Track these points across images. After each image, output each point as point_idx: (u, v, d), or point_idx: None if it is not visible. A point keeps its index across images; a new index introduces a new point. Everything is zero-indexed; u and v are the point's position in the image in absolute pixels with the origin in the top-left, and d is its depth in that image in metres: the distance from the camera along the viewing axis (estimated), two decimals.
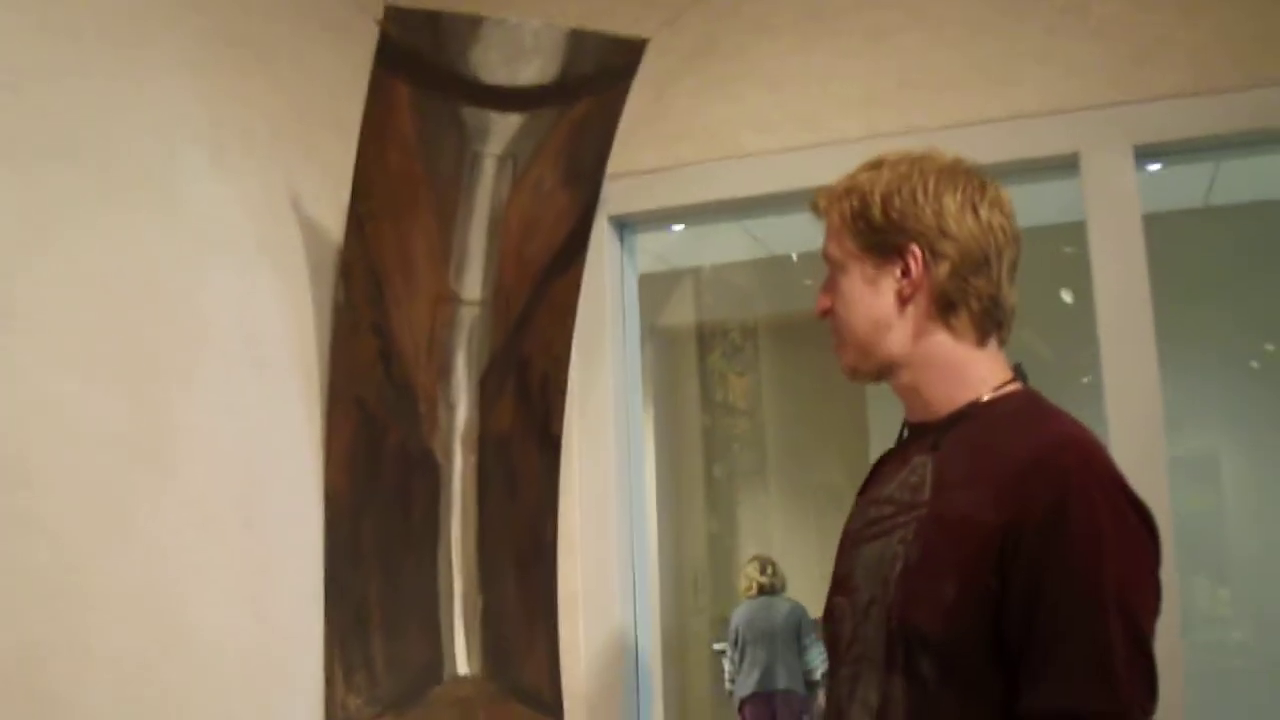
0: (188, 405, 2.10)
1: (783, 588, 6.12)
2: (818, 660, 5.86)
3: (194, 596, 2.09)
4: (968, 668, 1.36)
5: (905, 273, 1.51)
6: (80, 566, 1.88)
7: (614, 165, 2.50)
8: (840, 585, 1.57)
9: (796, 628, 6.01)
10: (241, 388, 2.22)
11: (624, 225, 2.76)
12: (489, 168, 2.36)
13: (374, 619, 2.37)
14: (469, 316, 2.45)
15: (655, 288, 6.73)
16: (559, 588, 2.52)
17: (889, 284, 1.52)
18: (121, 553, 1.96)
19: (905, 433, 1.61)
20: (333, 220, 2.38)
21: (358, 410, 2.38)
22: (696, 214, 2.75)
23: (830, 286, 1.59)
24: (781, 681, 5.93)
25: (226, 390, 2.18)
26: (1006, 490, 1.36)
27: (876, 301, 1.53)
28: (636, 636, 2.60)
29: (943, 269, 1.49)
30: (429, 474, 2.44)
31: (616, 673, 2.53)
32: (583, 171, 2.46)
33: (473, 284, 2.44)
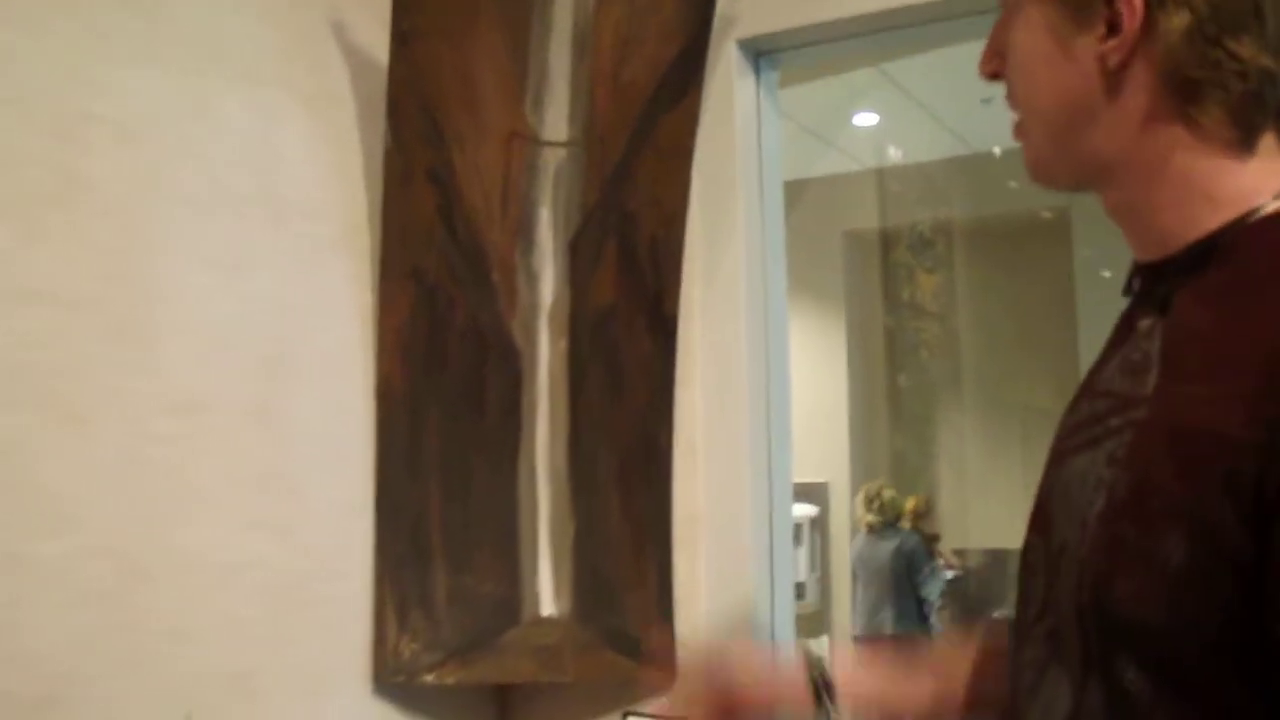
0: (174, 268, 1.64)
1: (896, 520, 5.45)
2: (934, 594, 5.23)
3: (187, 512, 1.65)
4: (1200, 677, 0.75)
5: (1113, 27, 0.88)
6: (24, 473, 1.45)
7: None
8: (1035, 518, 0.97)
9: (906, 565, 5.40)
10: (253, 249, 1.75)
11: (759, 53, 2.15)
12: None
13: (435, 544, 1.88)
14: (553, 160, 1.91)
15: (848, 189, 6.10)
16: (674, 509, 1.99)
17: (1088, 46, 0.89)
18: (81, 455, 1.52)
19: (1134, 281, 0.99)
20: (375, 38, 1.86)
21: (414, 282, 1.88)
22: (844, 36, 2.12)
23: (998, 37, 0.99)
24: (889, 625, 5.35)
25: (230, 251, 1.71)
26: (1273, 388, 0.75)
27: (1067, 71, 0.90)
28: (773, 573, 2.05)
29: (1177, 22, 0.85)
30: (507, 362, 1.93)
31: (746, 619, 1.99)
32: None
33: (556, 119, 1.90)
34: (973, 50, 1.07)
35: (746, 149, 2.12)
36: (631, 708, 2.02)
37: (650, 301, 1.97)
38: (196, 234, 1.68)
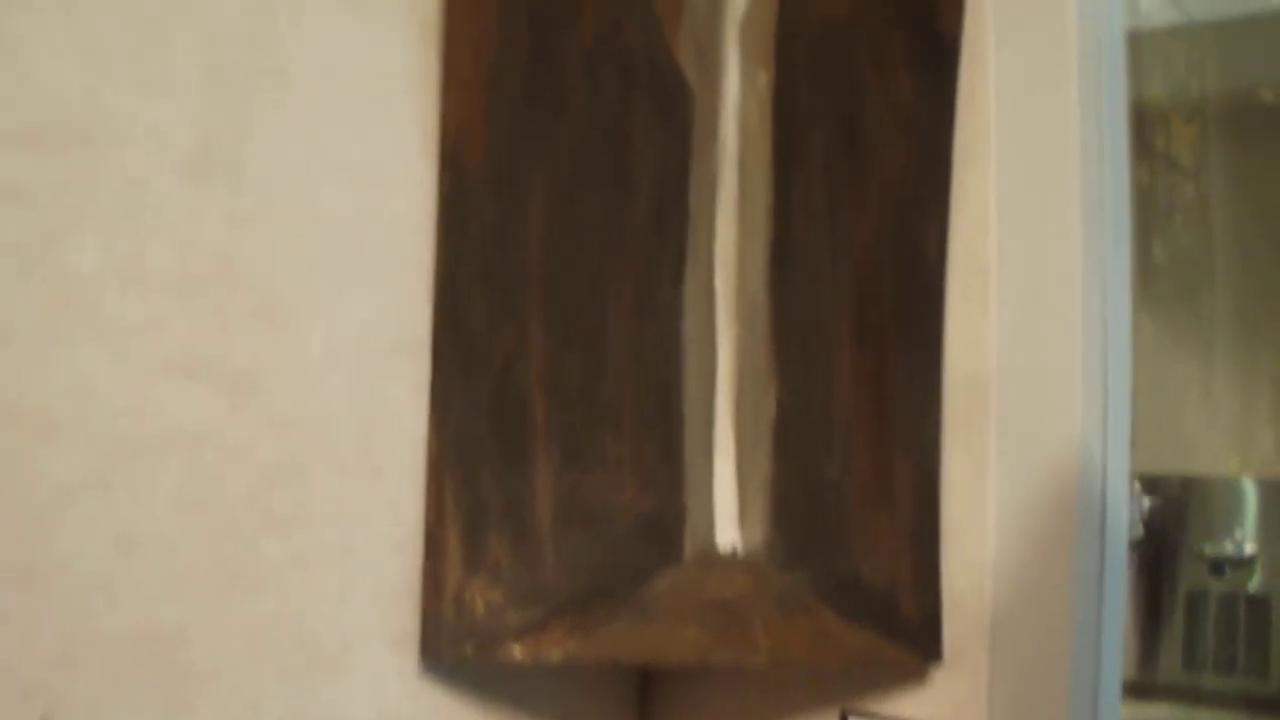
0: None
1: None
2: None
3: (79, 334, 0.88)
4: None
5: None
6: None
7: None
8: None
9: None
10: None
11: None
12: None
13: (536, 418, 1.08)
14: None
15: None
16: (945, 370, 1.16)
17: None
18: None
19: None
20: None
21: None
22: None
23: None
24: None
25: None
26: None
27: None
28: (1105, 496, 1.19)
29: None
30: (667, 109, 1.11)
31: (1062, 570, 1.15)
32: None
33: None
34: None
35: None
36: (854, 704, 1.21)
37: (915, 12, 1.13)
38: None
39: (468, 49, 1.07)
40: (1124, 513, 1.22)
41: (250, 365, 1.00)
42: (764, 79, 1.11)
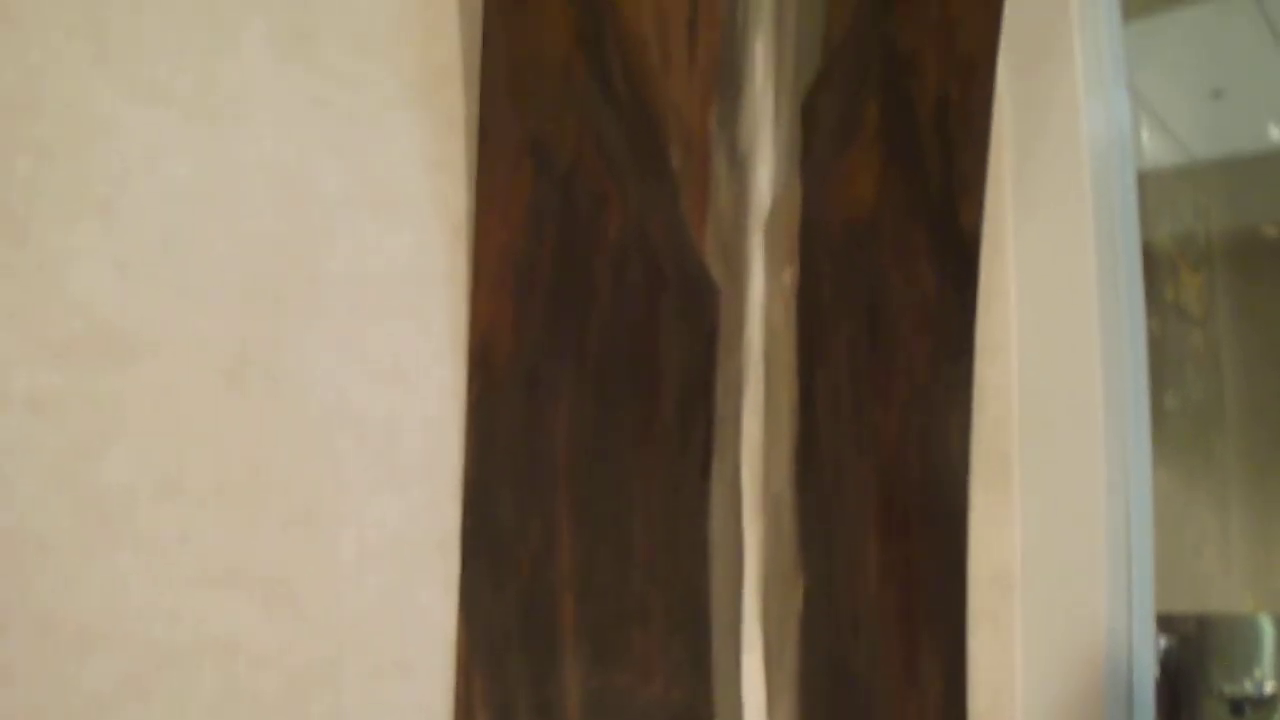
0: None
1: None
2: None
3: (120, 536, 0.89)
4: None
5: None
6: None
7: None
8: None
9: None
10: (247, 88, 0.98)
11: None
12: None
13: (565, 615, 1.08)
14: None
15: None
16: (970, 563, 1.16)
17: None
18: None
19: None
20: None
21: (535, 164, 1.09)
22: None
23: None
24: None
25: (212, 88, 0.95)
26: None
27: None
28: (1132, 683, 1.19)
29: None
30: (694, 307, 1.13)
31: None
32: None
33: None
34: None
35: None
36: None
37: (936, 208, 1.15)
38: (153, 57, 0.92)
39: (496, 251, 1.09)
40: (1150, 698, 1.22)
41: (283, 573, 1.01)
42: (788, 276, 1.13)
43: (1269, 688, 2.79)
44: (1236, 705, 2.87)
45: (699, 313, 1.12)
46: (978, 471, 1.15)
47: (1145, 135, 2.92)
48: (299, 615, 1.01)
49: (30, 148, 0.90)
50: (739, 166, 1.13)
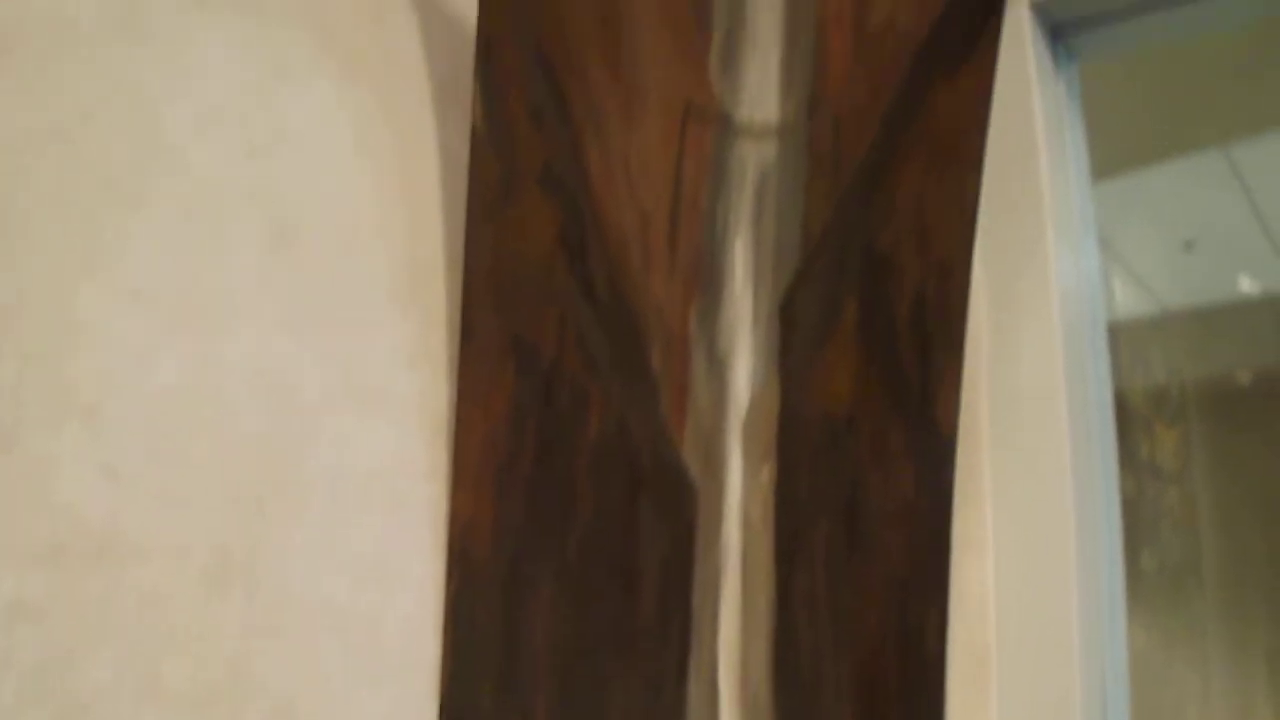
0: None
1: None
2: None
3: None
4: None
5: None
6: None
7: None
8: None
9: None
10: (238, 293, 1.00)
11: (1056, 25, 1.36)
12: None
13: None
14: (754, 156, 1.13)
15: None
16: None
17: None
18: None
19: None
20: None
21: (517, 363, 1.10)
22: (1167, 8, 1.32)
23: None
24: None
25: (199, 297, 0.96)
26: None
27: None
28: None
29: None
30: (673, 505, 1.13)
31: None
32: None
33: (760, 87, 1.12)
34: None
35: (1053, 158, 1.31)
36: None
37: (914, 405, 1.16)
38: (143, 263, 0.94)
39: (477, 448, 1.10)
40: None
41: None
42: (766, 473, 1.14)
43: None
44: None
45: (677, 511, 1.13)
46: (954, 664, 1.15)
47: (1118, 287, 2.97)
48: None
49: (16, 352, 0.91)
50: (718, 364, 1.14)
